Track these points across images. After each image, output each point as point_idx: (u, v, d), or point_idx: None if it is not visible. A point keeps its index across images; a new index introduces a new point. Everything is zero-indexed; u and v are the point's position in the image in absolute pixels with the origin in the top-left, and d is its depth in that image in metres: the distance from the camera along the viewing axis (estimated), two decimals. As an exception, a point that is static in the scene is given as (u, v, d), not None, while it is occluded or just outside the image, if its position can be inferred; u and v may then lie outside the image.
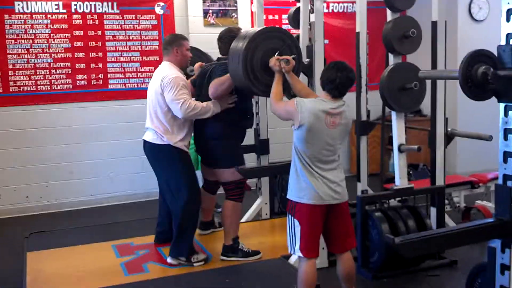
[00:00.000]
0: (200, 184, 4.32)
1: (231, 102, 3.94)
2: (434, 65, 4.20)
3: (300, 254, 3.14)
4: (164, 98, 3.83)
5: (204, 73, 4.11)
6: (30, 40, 5.86)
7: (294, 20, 4.99)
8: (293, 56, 3.52)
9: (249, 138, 5.02)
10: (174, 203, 3.96)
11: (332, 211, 3.17)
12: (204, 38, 6.22)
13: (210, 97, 3.89)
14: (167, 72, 3.88)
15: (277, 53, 3.50)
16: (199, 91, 4.12)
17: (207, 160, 4.20)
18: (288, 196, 3.20)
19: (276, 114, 3.34)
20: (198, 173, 4.27)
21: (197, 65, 4.44)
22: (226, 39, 4.02)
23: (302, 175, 3.11)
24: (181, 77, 3.89)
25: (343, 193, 3.20)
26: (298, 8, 4.52)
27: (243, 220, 5.06)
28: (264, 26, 3.82)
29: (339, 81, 3.09)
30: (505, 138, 2.55)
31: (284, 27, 6.76)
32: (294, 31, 5.09)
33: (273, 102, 3.35)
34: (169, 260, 3.99)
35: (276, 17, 6.83)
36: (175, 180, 3.95)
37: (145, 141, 4.06)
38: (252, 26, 6.39)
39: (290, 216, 3.18)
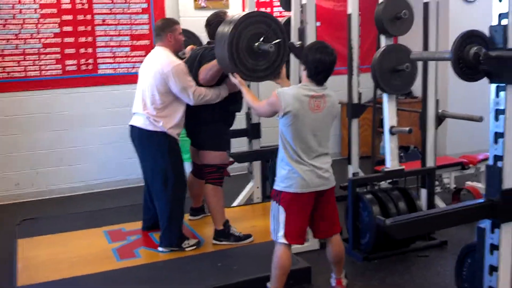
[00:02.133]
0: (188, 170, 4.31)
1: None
2: (426, 46, 4.19)
3: (284, 241, 3.13)
4: (165, 84, 3.77)
5: (194, 57, 4.07)
6: (19, 25, 5.78)
7: (286, 2, 4.95)
8: (278, 40, 3.51)
9: (240, 122, 5.02)
10: (161, 191, 3.91)
11: (320, 197, 3.18)
12: (195, 21, 6.14)
13: (200, 83, 3.87)
14: (167, 59, 3.81)
15: (262, 38, 3.50)
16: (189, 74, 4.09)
17: (196, 142, 4.20)
18: (274, 186, 3.20)
19: (261, 113, 3.34)
20: (187, 165, 4.26)
21: (188, 48, 4.40)
22: (213, 23, 4.01)
23: (289, 164, 3.10)
24: (182, 63, 3.84)
25: (331, 179, 3.19)
26: None
27: (234, 204, 5.08)
28: (249, 11, 3.79)
29: (323, 66, 3.06)
30: (496, 119, 2.55)
31: (275, 9, 6.74)
32: (285, 14, 5.06)
33: (254, 106, 3.37)
34: (160, 249, 3.98)
35: (267, -1, 6.78)
36: (163, 168, 3.88)
37: (133, 127, 3.97)
38: (243, 9, 6.33)
39: (274, 202, 3.18)
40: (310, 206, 3.16)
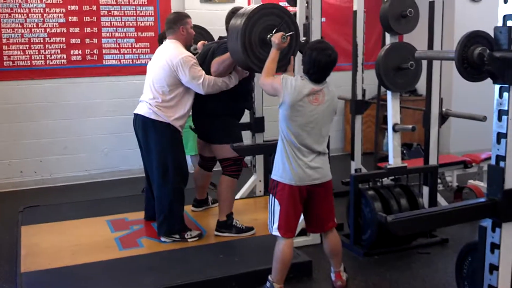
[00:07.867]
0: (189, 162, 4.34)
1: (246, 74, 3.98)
2: (430, 45, 4.20)
3: (278, 234, 3.19)
4: (174, 76, 3.80)
5: (206, 52, 4.11)
6: (25, 14, 5.80)
7: None
8: (291, 33, 3.52)
9: (245, 116, 5.04)
10: (161, 182, 3.94)
11: (314, 193, 3.21)
12: (201, 14, 6.17)
13: (212, 75, 3.88)
14: (176, 50, 3.84)
15: (274, 30, 3.51)
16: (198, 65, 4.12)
17: (205, 136, 4.23)
18: (271, 176, 3.26)
19: (264, 88, 3.36)
20: (188, 158, 4.29)
21: (200, 43, 4.43)
22: (229, 19, 4.02)
23: (284, 157, 3.15)
24: (191, 55, 3.88)
25: (324, 174, 3.22)
26: None
27: (237, 197, 5.08)
28: (262, 3, 3.82)
29: (318, 67, 3.08)
30: (499, 119, 2.56)
31: (281, 3, 6.72)
32: (291, 9, 5.08)
33: (264, 76, 3.33)
34: (162, 239, 4.01)
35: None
36: (163, 159, 3.92)
37: (137, 115, 4.00)
38: (249, 2, 6.34)
39: (271, 195, 3.23)
40: (302, 200, 3.21)
